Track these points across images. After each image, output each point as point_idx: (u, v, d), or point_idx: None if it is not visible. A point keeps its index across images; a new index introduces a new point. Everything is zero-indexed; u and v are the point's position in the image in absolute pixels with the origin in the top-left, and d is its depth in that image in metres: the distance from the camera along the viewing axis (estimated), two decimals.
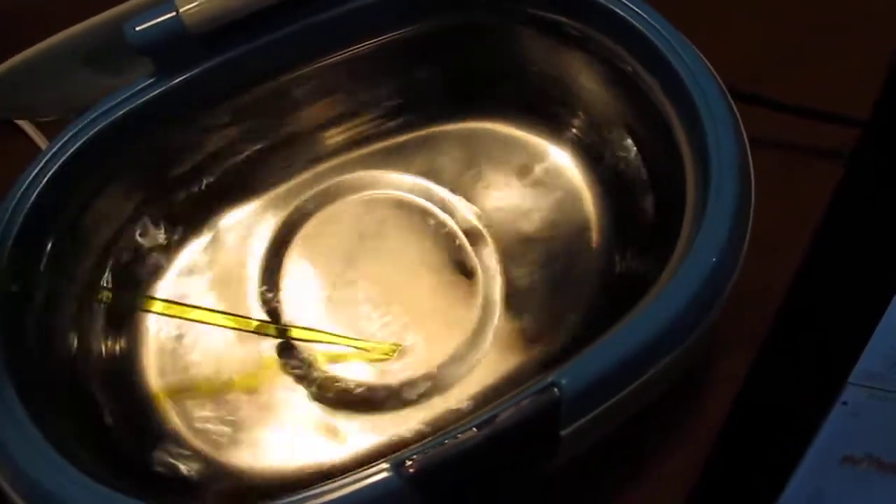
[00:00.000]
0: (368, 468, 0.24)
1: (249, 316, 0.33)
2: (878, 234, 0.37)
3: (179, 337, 0.33)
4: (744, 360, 0.33)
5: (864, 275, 0.35)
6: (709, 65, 0.29)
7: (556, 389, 0.24)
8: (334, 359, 0.32)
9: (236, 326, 0.33)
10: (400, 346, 0.32)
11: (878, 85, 0.38)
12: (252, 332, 0.33)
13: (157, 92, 0.31)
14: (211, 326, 0.33)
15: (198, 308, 0.33)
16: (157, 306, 0.33)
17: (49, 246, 0.30)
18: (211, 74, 0.32)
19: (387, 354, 0.32)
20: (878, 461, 0.30)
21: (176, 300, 0.33)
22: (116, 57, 0.30)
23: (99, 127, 0.30)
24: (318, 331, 0.33)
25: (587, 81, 0.34)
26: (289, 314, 0.33)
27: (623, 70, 0.32)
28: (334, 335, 0.32)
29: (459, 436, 0.24)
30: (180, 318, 0.33)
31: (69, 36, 0.30)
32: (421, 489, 0.24)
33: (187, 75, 0.31)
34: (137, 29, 0.30)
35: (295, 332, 0.33)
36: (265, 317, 0.33)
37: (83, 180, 0.31)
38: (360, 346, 0.32)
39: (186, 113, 0.32)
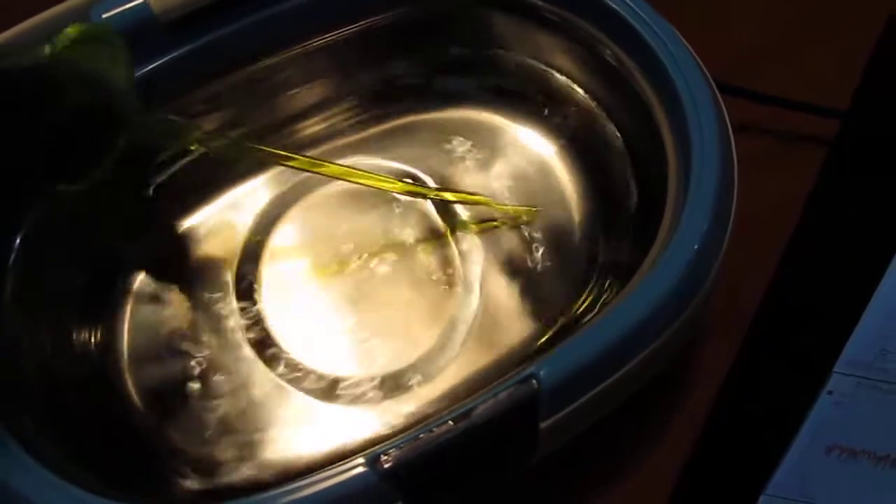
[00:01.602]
0: (343, 463, 0.23)
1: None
2: (862, 222, 0.37)
3: (157, 332, 0.32)
4: (728, 350, 0.32)
5: (848, 263, 0.34)
6: (691, 49, 0.29)
7: (534, 381, 0.24)
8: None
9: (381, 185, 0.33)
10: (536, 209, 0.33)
11: (858, 75, 0.37)
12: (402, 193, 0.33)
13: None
14: (190, 326, 0.32)
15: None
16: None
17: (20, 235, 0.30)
18: (181, 62, 0.31)
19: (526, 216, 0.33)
20: (863, 451, 0.30)
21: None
22: None
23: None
24: (461, 192, 0.34)
25: (567, 67, 0.33)
26: (268, 306, 0.33)
27: (603, 55, 0.31)
28: (478, 196, 0.33)
29: (435, 429, 0.23)
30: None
31: (33, 25, 0.29)
32: (397, 484, 0.23)
33: (156, 63, 0.31)
34: (104, 16, 0.29)
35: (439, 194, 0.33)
36: (244, 303, 0.33)
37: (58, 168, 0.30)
38: (499, 207, 0.33)
39: (161, 100, 0.32)
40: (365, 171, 0.33)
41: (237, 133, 0.34)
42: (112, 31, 0.28)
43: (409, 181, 0.34)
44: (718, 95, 0.29)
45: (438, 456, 0.23)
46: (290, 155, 0.32)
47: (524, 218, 0.33)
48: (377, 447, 0.23)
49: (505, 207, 0.33)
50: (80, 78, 0.27)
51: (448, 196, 0.34)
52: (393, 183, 0.33)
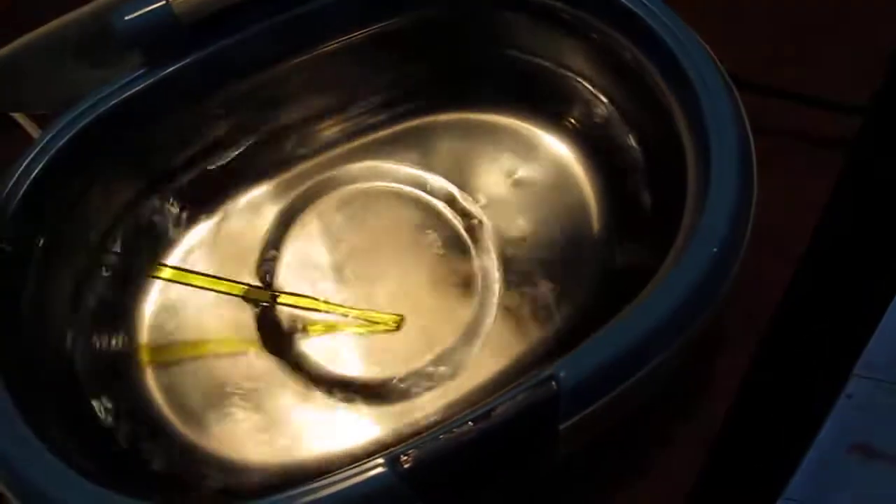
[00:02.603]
0: (362, 463, 0.23)
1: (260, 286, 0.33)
2: (881, 225, 0.36)
3: (175, 330, 0.32)
4: (747, 353, 0.32)
5: (867, 266, 0.34)
6: (708, 49, 0.29)
7: (553, 382, 0.24)
8: (330, 329, 0.32)
9: (246, 295, 0.33)
10: (402, 317, 0.32)
11: (879, 74, 0.37)
12: (264, 302, 0.33)
13: (146, 84, 0.31)
14: (208, 325, 0.32)
15: (207, 276, 0.33)
16: (166, 273, 0.33)
17: (41, 243, 0.30)
18: (202, 65, 0.31)
19: (389, 325, 0.32)
20: (883, 454, 0.30)
21: (188, 268, 0.33)
22: (105, 48, 0.30)
23: (87, 120, 0.30)
24: (330, 302, 0.32)
25: (583, 69, 0.33)
26: (285, 309, 0.33)
27: (621, 56, 0.31)
28: (342, 306, 0.32)
29: (455, 430, 0.23)
30: (191, 285, 0.32)
31: (57, 27, 0.29)
32: (416, 484, 0.23)
33: (178, 66, 0.31)
34: (126, 18, 0.29)
35: (306, 303, 0.32)
36: (260, 311, 0.33)
37: (73, 173, 0.31)
38: (365, 317, 0.32)
39: (177, 105, 0.32)
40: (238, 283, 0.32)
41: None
42: None
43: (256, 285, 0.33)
44: (738, 98, 0.28)
45: (458, 457, 0.23)
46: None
47: (385, 328, 0.32)
48: (397, 448, 0.23)
49: (370, 316, 0.32)
50: None
51: (289, 301, 0.32)
52: (231, 286, 0.33)
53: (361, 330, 0.32)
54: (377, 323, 0.32)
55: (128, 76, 0.31)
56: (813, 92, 0.36)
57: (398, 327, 0.32)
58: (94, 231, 0.32)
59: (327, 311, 0.32)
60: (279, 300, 0.33)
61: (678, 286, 0.25)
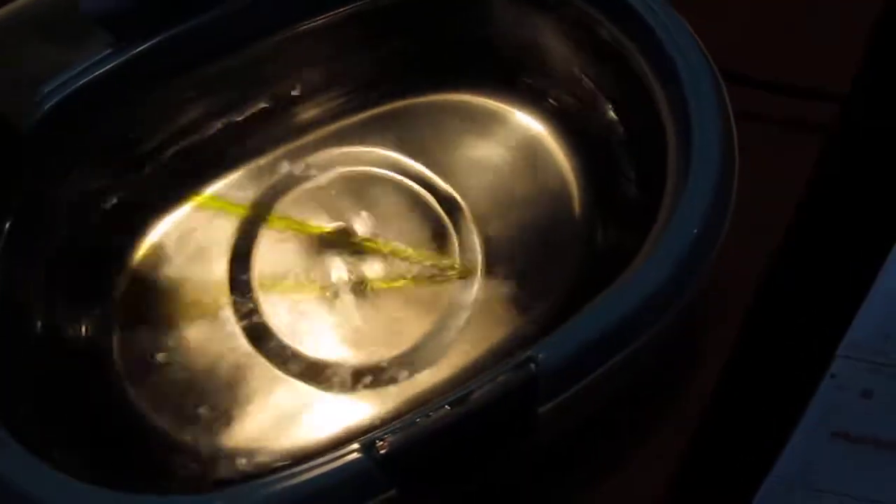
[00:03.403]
0: (338, 449, 0.23)
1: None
2: (863, 205, 0.36)
3: (151, 319, 0.32)
4: (730, 335, 0.32)
5: (850, 247, 0.34)
6: (690, 29, 0.29)
7: (532, 365, 0.24)
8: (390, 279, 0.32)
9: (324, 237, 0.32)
10: (468, 266, 0.31)
11: (856, 60, 0.37)
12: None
13: (114, 64, 0.30)
14: (182, 314, 0.32)
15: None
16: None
17: (7, 226, 0.29)
18: (172, 45, 0.31)
19: (458, 271, 0.31)
20: (868, 436, 0.30)
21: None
22: (71, 28, 0.29)
23: (54, 101, 0.29)
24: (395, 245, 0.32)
25: (563, 49, 0.33)
26: (262, 295, 0.32)
27: (601, 36, 0.31)
28: (408, 250, 0.32)
29: (432, 414, 0.23)
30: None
31: (18, 7, 0.28)
32: (393, 470, 0.23)
33: (146, 45, 0.30)
34: None
35: (368, 245, 0.32)
36: (237, 293, 0.32)
37: (43, 156, 0.30)
38: (430, 263, 0.31)
39: (147, 86, 0.31)
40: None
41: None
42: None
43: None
44: (718, 75, 0.28)
45: (435, 441, 0.23)
46: None
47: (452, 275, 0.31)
48: (373, 433, 0.23)
49: (437, 262, 0.31)
50: None
51: (377, 246, 0.32)
52: (310, 227, 0.32)
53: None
54: (446, 269, 0.31)
55: (93, 58, 0.30)
56: (789, 80, 0.36)
57: (466, 276, 0.31)
58: (62, 215, 0.31)
59: (392, 255, 0.32)
60: (356, 243, 0.32)
61: (658, 268, 0.25)
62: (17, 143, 0.28)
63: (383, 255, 0.33)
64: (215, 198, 0.34)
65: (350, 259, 0.33)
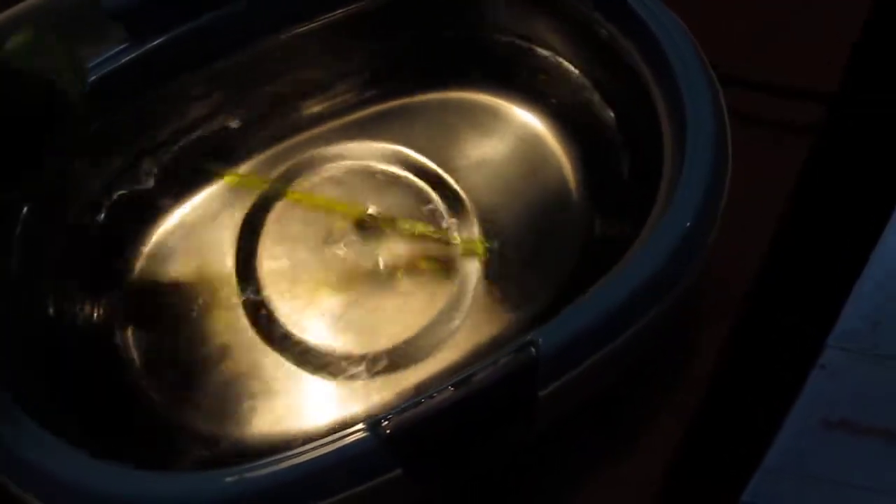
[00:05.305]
0: (344, 429, 0.23)
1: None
2: (852, 197, 0.37)
3: (158, 307, 0.33)
4: (721, 328, 0.32)
5: (838, 239, 0.35)
6: (683, 25, 0.29)
7: (533, 348, 0.24)
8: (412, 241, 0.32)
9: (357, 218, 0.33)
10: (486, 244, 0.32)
11: (844, 62, 0.38)
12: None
13: (127, 59, 0.31)
14: (190, 303, 0.32)
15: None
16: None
17: (25, 211, 0.30)
18: (185, 41, 0.31)
19: (473, 249, 0.32)
20: (859, 424, 0.30)
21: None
22: (86, 24, 0.29)
23: None
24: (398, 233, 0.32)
25: (562, 46, 0.34)
26: (267, 284, 0.33)
27: (598, 34, 0.31)
28: (411, 232, 0.32)
29: (436, 395, 0.24)
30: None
31: (33, 5, 0.29)
32: (397, 450, 0.23)
33: (159, 41, 0.31)
34: None
35: (373, 235, 0.33)
36: (244, 282, 0.33)
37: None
38: (444, 238, 0.32)
39: (158, 81, 0.32)
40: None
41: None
42: (58, 39, 0.27)
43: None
44: (712, 71, 0.29)
45: (439, 422, 0.24)
46: None
47: (468, 251, 0.32)
48: (378, 414, 0.24)
49: (450, 237, 0.32)
50: (23, 85, 0.27)
51: (405, 226, 0.33)
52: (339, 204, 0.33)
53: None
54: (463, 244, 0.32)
55: (106, 53, 0.30)
56: (779, 80, 0.36)
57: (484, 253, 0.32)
58: (76, 204, 0.32)
59: (396, 245, 0.32)
60: (361, 233, 0.33)
61: (654, 256, 0.26)
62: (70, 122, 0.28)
63: (387, 247, 0.33)
64: (226, 185, 0.35)
65: (354, 250, 0.33)
